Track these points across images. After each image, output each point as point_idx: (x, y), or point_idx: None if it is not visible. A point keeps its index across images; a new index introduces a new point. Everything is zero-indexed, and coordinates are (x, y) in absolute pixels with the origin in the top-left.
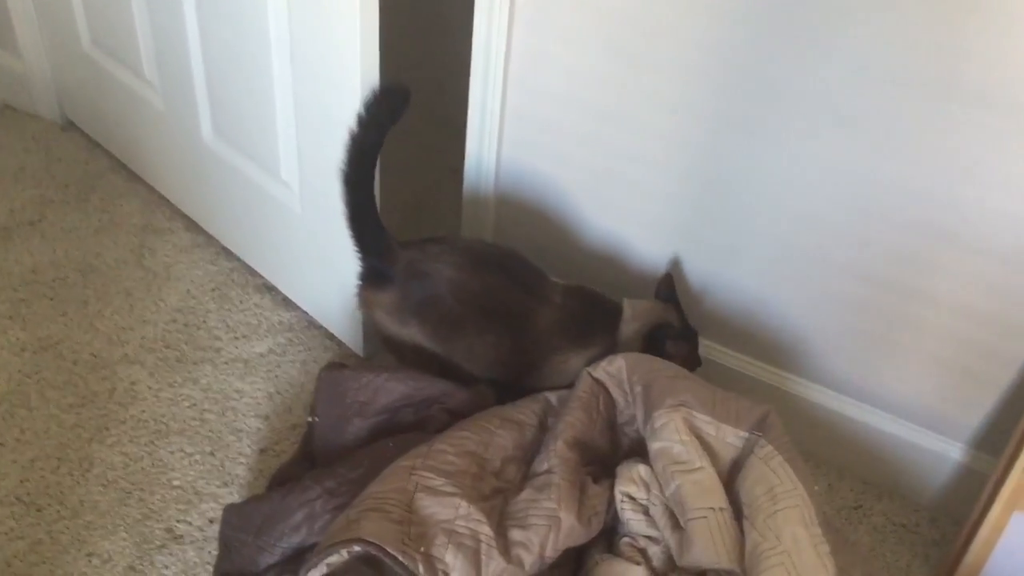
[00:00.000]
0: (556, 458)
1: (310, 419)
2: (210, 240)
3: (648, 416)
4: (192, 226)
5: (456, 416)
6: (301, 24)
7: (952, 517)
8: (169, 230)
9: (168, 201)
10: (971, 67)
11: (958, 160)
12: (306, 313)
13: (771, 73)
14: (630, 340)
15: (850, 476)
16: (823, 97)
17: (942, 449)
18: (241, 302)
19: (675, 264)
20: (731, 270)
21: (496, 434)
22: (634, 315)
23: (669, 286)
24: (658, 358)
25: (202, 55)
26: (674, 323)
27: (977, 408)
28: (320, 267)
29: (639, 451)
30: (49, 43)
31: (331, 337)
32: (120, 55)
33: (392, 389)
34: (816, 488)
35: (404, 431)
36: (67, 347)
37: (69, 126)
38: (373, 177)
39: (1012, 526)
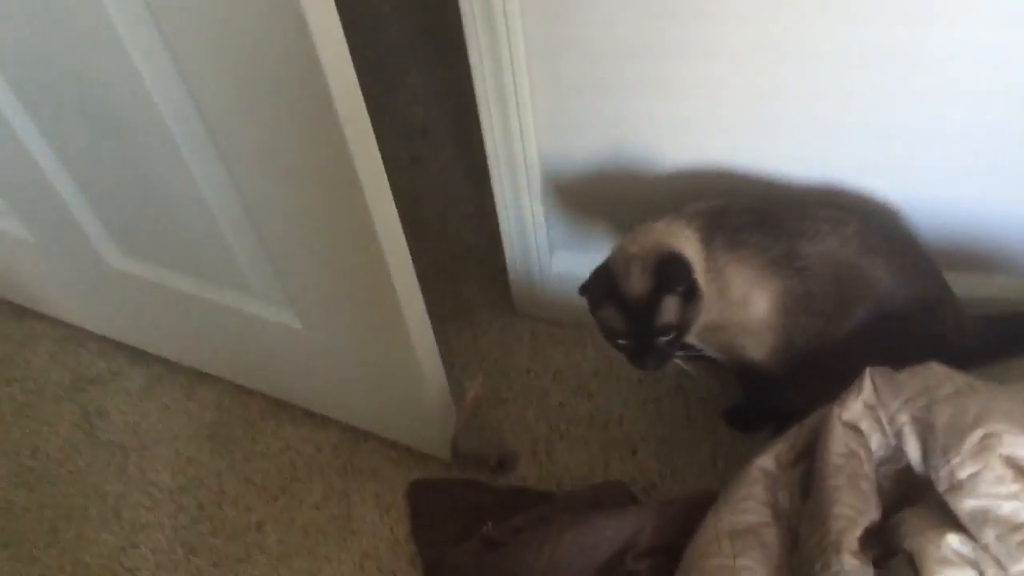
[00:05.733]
0: None
1: None
2: (171, 367)
3: (943, 460)
4: (137, 356)
5: (658, 555)
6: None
7: None
8: (110, 373)
9: (89, 332)
10: None
11: None
12: (351, 426)
13: None
14: None
15: None
16: None
17: None
18: (254, 440)
19: None
20: None
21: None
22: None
23: None
24: (908, 368)
25: (68, 177)
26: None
27: None
28: (348, 381)
29: (907, 495)
30: None
31: (395, 446)
32: None
33: (568, 561)
34: None
35: None
36: None
37: None
38: None
39: None
